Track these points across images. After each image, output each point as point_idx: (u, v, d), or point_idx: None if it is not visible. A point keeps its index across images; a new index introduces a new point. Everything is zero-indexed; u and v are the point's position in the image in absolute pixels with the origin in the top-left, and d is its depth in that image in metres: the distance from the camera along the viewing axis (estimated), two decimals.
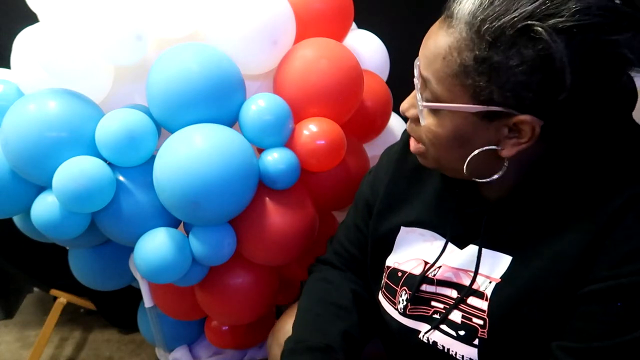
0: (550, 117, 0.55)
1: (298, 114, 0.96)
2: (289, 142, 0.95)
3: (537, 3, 0.50)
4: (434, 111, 0.60)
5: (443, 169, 0.67)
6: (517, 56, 0.51)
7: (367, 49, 1.15)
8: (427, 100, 0.60)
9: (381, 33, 1.19)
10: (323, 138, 0.94)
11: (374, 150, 1.16)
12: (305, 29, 1.02)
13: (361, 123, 1.09)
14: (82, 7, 0.87)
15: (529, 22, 0.50)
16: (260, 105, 0.91)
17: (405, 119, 0.68)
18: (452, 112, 0.58)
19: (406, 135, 0.78)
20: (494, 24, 0.52)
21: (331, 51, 0.98)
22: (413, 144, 0.67)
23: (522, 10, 0.50)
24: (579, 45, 0.50)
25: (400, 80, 1.23)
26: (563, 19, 0.49)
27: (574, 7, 0.49)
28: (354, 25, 1.19)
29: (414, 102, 0.63)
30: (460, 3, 0.55)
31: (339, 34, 1.09)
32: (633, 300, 0.53)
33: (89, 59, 0.88)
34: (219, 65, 0.90)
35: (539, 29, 0.50)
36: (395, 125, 1.23)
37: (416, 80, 0.62)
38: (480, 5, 0.53)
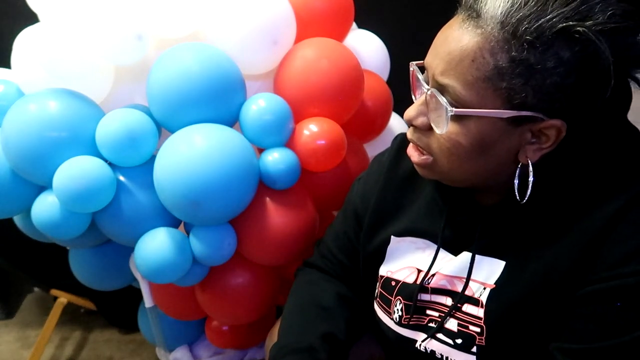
0: (576, 121, 0.54)
1: (298, 113, 0.96)
2: (289, 142, 0.95)
3: (572, 5, 0.50)
4: (458, 118, 0.56)
5: (450, 180, 0.63)
6: (553, 57, 0.51)
7: (367, 49, 1.15)
8: (452, 107, 0.55)
9: (381, 33, 1.20)
10: (323, 138, 0.94)
11: (374, 150, 1.16)
12: (306, 29, 1.02)
13: (361, 123, 1.09)
14: (82, 7, 0.87)
15: (570, 23, 0.49)
16: (260, 105, 0.91)
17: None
18: (480, 118, 0.55)
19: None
20: (532, 24, 0.50)
21: (331, 51, 0.98)
22: (417, 156, 0.63)
23: (559, 12, 0.50)
24: (615, 46, 0.50)
25: (400, 80, 1.24)
26: (601, 21, 0.49)
27: (609, 10, 0.49)
28: (354, 25, 1.18)
29: (422, 109, 0.60)
30: (487, 2, 0.53)
31: (339, 34, 1.09)
32: (633, 301, 0.53)
33: (89, 59, 0.88)
34: (219, 65, 0.90)
35: (582, 29, 0.49)
36: (395, 125, 1.23)
37: (424, 86, 0.59)
38: (513, 5, 0.51)
